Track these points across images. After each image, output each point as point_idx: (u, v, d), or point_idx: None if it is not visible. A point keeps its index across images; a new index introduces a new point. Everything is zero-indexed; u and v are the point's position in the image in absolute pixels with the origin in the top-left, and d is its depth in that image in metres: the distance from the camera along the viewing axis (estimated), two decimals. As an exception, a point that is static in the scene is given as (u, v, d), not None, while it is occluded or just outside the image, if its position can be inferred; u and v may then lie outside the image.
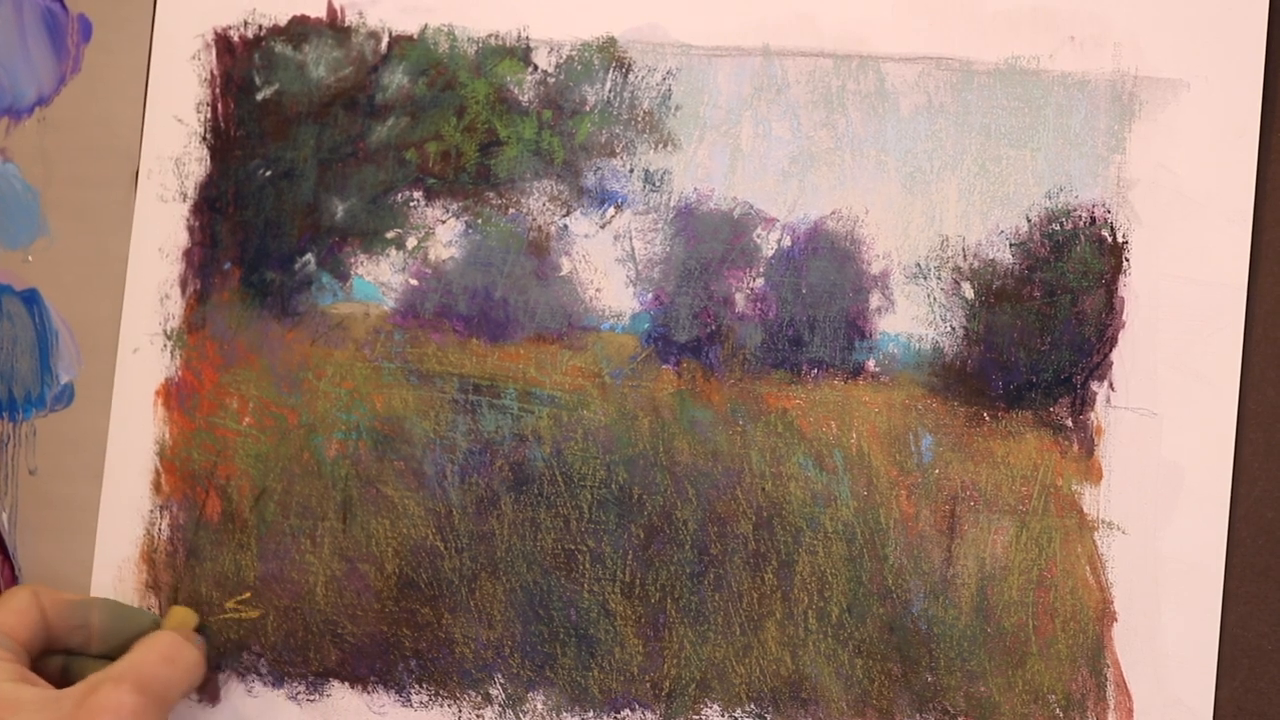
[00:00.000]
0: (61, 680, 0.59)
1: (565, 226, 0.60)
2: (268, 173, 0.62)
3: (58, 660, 0.59)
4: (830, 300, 0.59)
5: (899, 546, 0.58)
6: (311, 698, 0.61)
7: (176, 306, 0.62)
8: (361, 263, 0.61)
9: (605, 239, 0.60)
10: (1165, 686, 0.57)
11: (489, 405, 0.60)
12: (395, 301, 0.61)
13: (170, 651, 0.57)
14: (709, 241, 0.60)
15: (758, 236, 0.59)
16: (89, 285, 0.63)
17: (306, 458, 0.61)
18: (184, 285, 0.62)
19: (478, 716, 0.60)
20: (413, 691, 0.60)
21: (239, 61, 0.62)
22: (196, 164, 0.62)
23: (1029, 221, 0.58)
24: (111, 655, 0.59)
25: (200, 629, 0.61)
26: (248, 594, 0.61)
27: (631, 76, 0.60)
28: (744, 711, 0.59)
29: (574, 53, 0.61)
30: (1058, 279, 0.58)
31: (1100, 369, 0.57)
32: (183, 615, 0.61)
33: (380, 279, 0.61)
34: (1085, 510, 0.57)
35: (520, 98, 0.61)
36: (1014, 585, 0.58)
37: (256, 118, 0.62)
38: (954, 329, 0.58)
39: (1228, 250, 0.57)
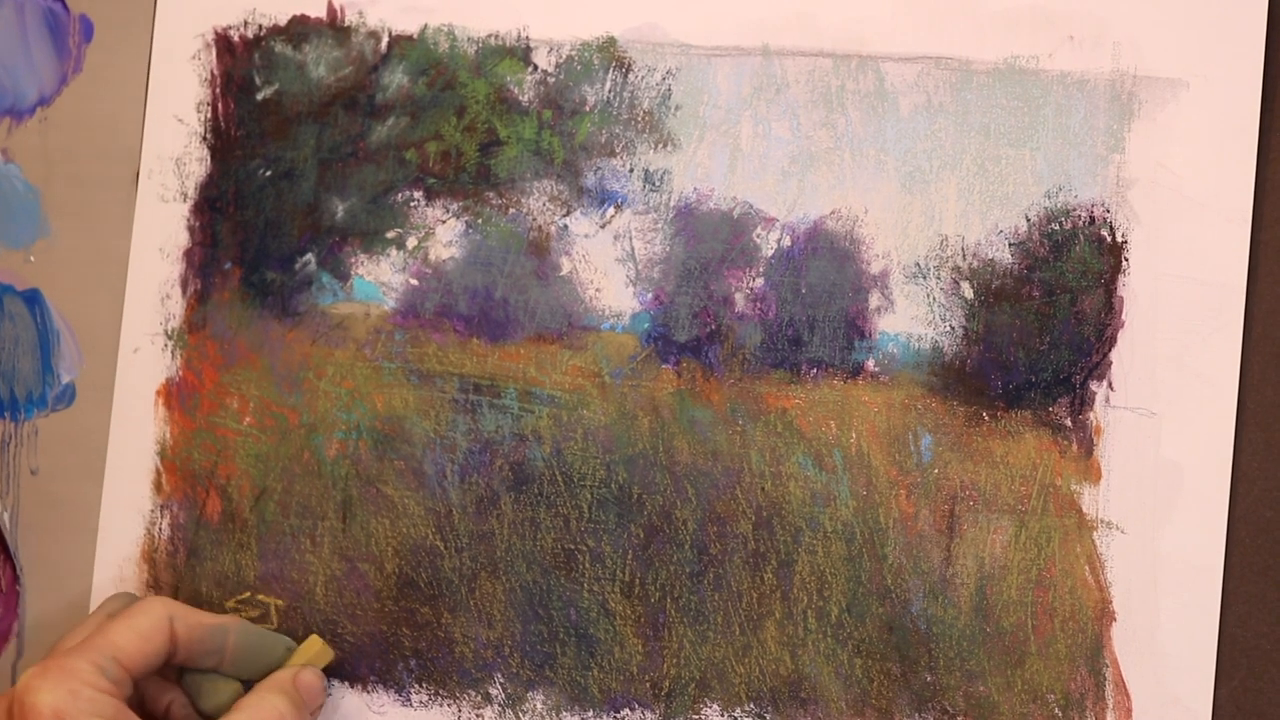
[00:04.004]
0: (177, 680, 0.58)
1: (565, 226, 0.60)
2: (268, 173, 0.62)
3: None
4: (830, 300, 0.59)
5: (898, 546, 0.58)
6: (311, 697, 0.61)
7: (177, 306, 0.62)
8: (362, 262, 0.61)
9: (605, 239, 0.60)
10: (1164, 686, 0.56)
11: (489, 405, 0.60)
12: (395, 301, 0.61)
13: None
14: (709, 241, 0.60)
15: (757, 236, 0.59)
16: (90, 285, 0.63)
17: (307, 457, 0.61)
18: (185, 285, 0.62)
19: (477, 716, 0.60)
20: (412, 691, 0.60)
21: (239, 61, 0.62)
22: (197, 164, 0.62)
23: (1028, 221, 0.58)
24: (238, 676, 0.57)
25: (329, 668, 0.60)
26: (247, 593, 0.61)
27: (631, 76, 0.60)
28: (743, 711, 0.59)
29: (574, 52, 0.61)
30: (1057, 278, 0.58)
31: (1099, 368, 0.57)
32: (318, 649, 0.59)
33: (381, 279, 0.61)
34: (1084, 510, 0.57)
35: (520, 97, 0.61)
36: (1013, 585, 0.58)
37: (257, 117, 0.62)
38: (953, 329, 0.58)
39: (1227, 249, 0.57)
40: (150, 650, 0.54)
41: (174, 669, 0.58)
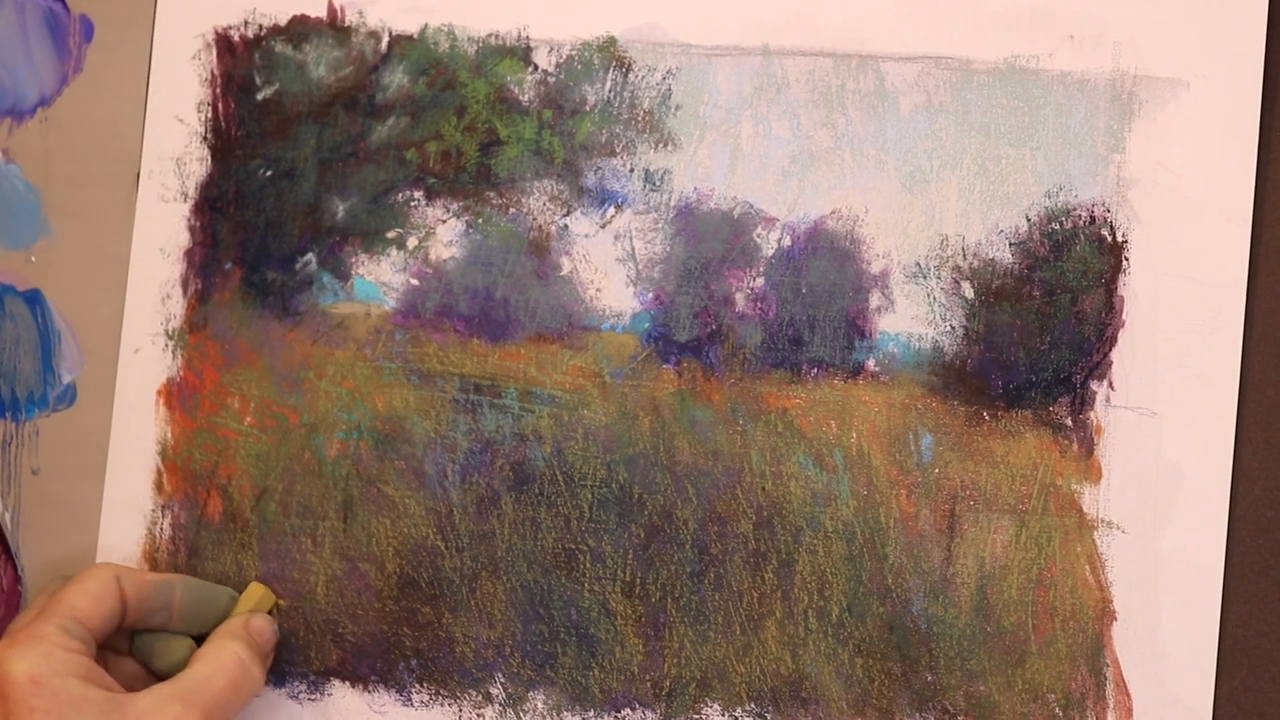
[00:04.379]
0: (129, 650, 0.59)
1: (565, 226, 0.60)
2: (268, 172, 0.62)
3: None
4: (830, 300, 0.59)
5: (899, 546, 0.58)
6: (313, 697, 0.61)
7: (178, 306, 0.62)
8: (362, 262, 0.61)
9: (605, 239, 0.60)
10: (1165, 685, 0.57)
11: (490, 405, 0.60)
12: (396, 301, 0.61)
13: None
14: (709, 241, 0.60)
15: (758, 236, 0.59)
16: (91, 285, 0.63)
17: (307, 457, 0.61)
18: (185, 285, 0.62)
19: (478, 716, 0.60)
20: (413, 691, 0.61)
21: (239, 61, 0.62)
22: (197, 164, 0.62)
23: (1029, 221, 0.58)
24: (187, 632, 0.59)
25: (274, 610, 0.61)
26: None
27: (631, 76, 0.60)
28: (744, 711, 0.59)
29: (574, 52, 0.61)
30: (1057, 278, 0.58)
31: (1100, 368, 0.57)
32: (260, 595, 0.60)
33: (381, 279, 0.61)
34: (1085, 509, 0.57)
35: (520, 97, 0.61)
36: (1014, 584, 0.58)
37: (257, 117, 0.62)
38: (954, 328, 0.58)
39: (1227, 249, 0.57)
40: (105, 610, 0.56)
41: (126, 638, 0.59)
